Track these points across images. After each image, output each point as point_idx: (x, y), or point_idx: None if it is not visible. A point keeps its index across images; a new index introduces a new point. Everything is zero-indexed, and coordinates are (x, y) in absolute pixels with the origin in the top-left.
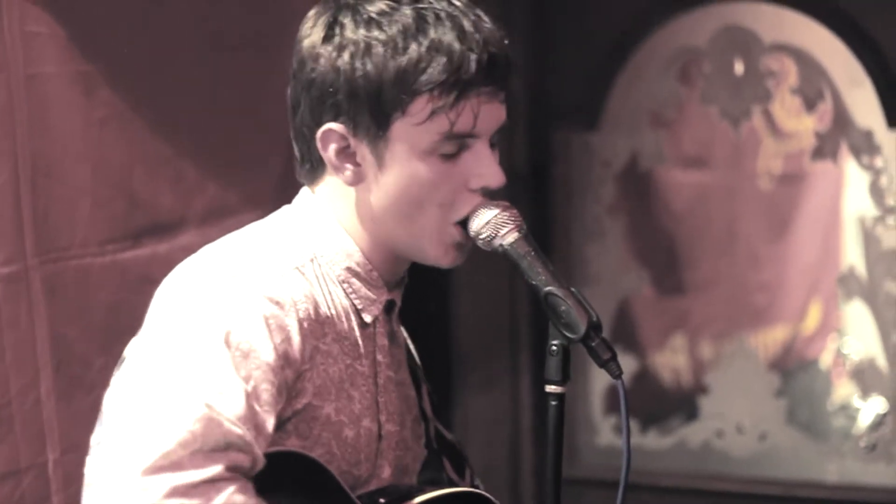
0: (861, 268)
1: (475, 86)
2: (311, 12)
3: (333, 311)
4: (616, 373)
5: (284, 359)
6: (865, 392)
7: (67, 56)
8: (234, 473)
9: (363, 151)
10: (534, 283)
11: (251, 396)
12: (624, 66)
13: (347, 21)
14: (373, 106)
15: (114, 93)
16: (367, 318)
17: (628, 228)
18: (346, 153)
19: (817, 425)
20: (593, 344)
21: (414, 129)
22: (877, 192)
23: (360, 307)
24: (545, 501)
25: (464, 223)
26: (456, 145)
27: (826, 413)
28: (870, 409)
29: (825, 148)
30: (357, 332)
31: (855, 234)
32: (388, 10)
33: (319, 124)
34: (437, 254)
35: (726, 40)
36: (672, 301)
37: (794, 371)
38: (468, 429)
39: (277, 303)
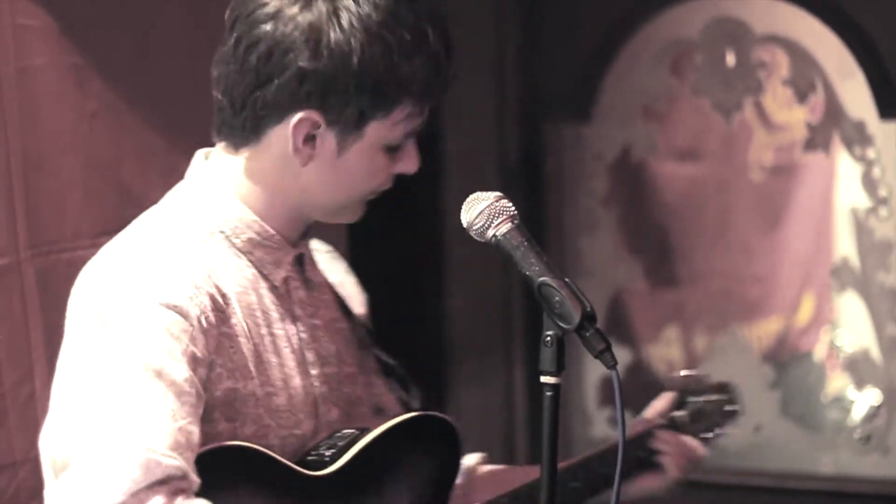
0: (854, 259)
1: (445, 90)
2: None
3: (238, 287)
4: (611, 363)
5: (193, 362)
6: (859, 384)
7: (58, 49)
8: (176, 497)
9: (328, 139)
10: (527, 273)
11: (175, 417)
12: (615, 58)
13: (353, 10)
14: (365, 107)
15: (105, 85)
16: (277, 282)
17: (621, 221)
18: (309, 137)
19: (811, 417)
20: (587, 334)
21: (387, 129)
22: (869, 184)
23: (266, 273)
24: (540, 493)
25: None
26: (405, 140)
27: (820, 405)
28: (864, 400)
29: (817, 139)
30: (268, 299)
31: (847, 226)
32: (392, 5)
33: (297, 109)
34: (351, 217)
35: (717, 32)
36: (665, 293)
37: (787, 363)
38: (462, 420)
39: (175, 307)
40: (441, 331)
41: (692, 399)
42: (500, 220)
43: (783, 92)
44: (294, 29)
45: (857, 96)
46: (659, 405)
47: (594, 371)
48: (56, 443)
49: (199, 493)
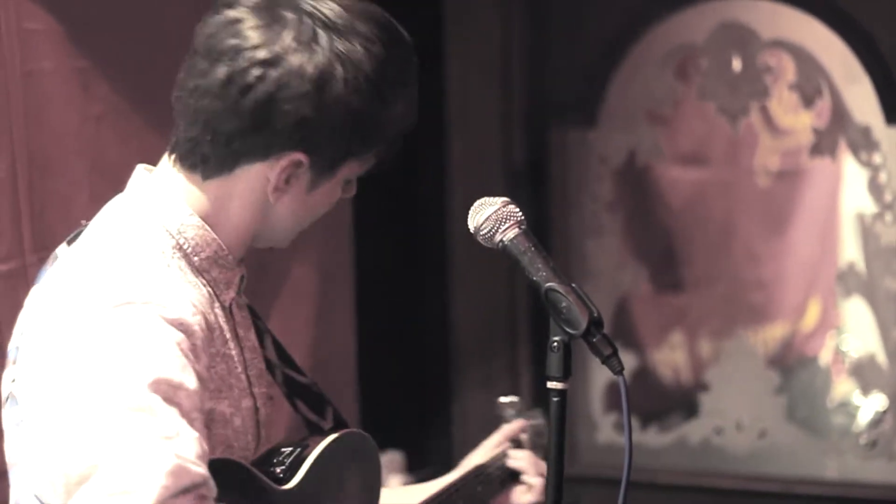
0: (860, 264)
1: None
2: (288, 33)
3: (205, 307)
4: (617, 369)
5: (199, 378)
6: (865, 389)
7: (64, 52)
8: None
9: (302, 178)
10: (534, 278)
11: (194, 427)
12: (621, 62)
13: (357, 58)
14: (353, 151)
15: (110, 89)
16: (226, 303)
17: (626, 225)
18: (289, 177)
19: (817, 422)
20: (594, 340)
21: (358, 167)
22: (875, 189)
23: (218, 293)
24: (546, 499)
25: None
26: None
27: (826, 410)
28: (869, 406)
29: (823, 144)
30: (221, 318)
31: (853, 231)
32: (381, 51)
33: (286, 151)
34: (284, 245)
35: (724, 36)
36: (670, 298)
37: (793, 368)
38: (467, 426)
39: (180, 324)
40: (446, 336)
41: (530, 422)
42: (507, 225)
43: (789, 97)
44: (296, 77)
45: (863, 101)
46: (508, 429)
47: (600, 376)
48: (66, 459)
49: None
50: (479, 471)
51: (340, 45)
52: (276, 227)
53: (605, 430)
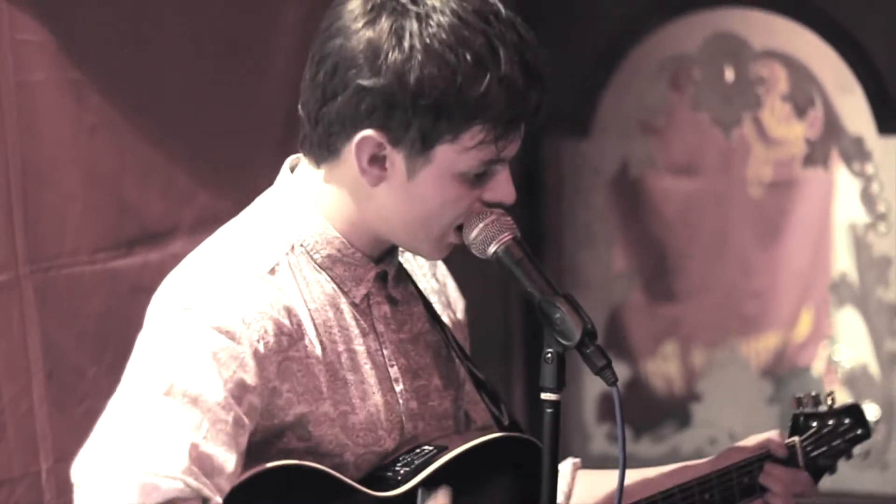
0: (853, 274)
1: (526, 120)
2: (358, 3)
3: (313, 305)
4: (611, 380)
5: (241, 388)
6: (858, 399)
7: (58, 63)
8: None
9: (396, 161)
10: (528, 290)
11: (204, 442)
12: (614, 73)
13: (416, 30)
14: (427, 128)
15: (104, 100)
16: (357, 299)
17: (619, 235)
18: (377, 158)
19: None
20: (588, 351)
21: (457, 155)
22: (868, 199)
23: (346, 290)
24: None
25: (460, 226)
26: (487, 169)
27: None
28: None
29: (816, 155)
30: (348, 314)
31: (846, 241)
32: (458, 26)
33: (359, 128)
34: (431, 252)
35: (716, 47)
36: (663, 308)
37: (786, 378)
38: None
39: (227, 332)
40: None
41: (813, 424)
42: (500, 236)
43: (782, 107)
44: (357, 44)
45: (855, 111)
46: (763, 437)
47: (593, 387)
48: (76, 463)
49: None
50: (725, 473)
51: (406, 21)
52: (390, 222)
53: (598, 440)
